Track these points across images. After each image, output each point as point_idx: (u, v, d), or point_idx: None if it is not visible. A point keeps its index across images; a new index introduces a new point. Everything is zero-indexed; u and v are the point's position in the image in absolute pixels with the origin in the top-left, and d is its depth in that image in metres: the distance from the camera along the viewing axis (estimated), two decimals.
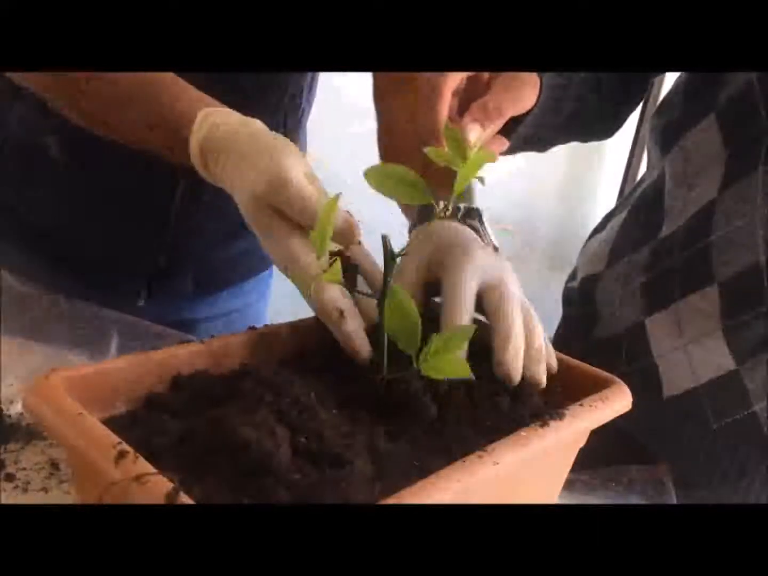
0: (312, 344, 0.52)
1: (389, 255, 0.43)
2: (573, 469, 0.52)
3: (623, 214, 0.83)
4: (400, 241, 0.45)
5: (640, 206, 0.80)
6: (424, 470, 0.37)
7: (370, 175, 0.42)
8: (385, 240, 0.42)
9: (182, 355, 0.45)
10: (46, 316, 0.79)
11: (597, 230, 0.90)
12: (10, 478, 0.54)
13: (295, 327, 0.53)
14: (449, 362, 0.42)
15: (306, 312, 0.54)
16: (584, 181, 2.20)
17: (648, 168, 0.83)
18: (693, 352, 0.71)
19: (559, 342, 0.88)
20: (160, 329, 0.80)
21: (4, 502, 0.51)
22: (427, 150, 0.43)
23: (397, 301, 0.43)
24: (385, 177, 0.42)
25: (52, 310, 0.80)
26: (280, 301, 1.87)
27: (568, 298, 0.89)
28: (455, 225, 0.56)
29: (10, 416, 0.61)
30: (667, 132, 0.76)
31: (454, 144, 0.43)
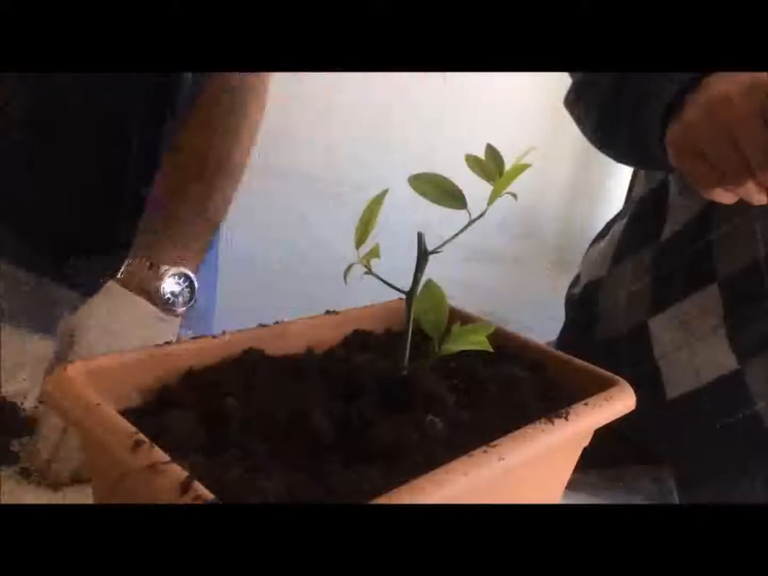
0: (322, 339, 0.53)
1: (422, 252, 0.46)
2: (576, 470, 0.53)
3: (625, 220, 0.83)
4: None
5: (642, 211, 0.81)
6: (434, 460, 0.38)
7: (414, 181, 0.46)
8: (420, 237, 0.46)
9: (195, 349, 0.46)
10: (59, 312, 0.81)
11: (600, 236, 0.91)
12: (25, 472, 0.55)
13: (305, 323, 0.54)
14: (471, 340, 0.47)
15: (313, 310, 0.55)
16: (591, 184, 2.20)
17: (646, 173, 0.83)
18: (696, 350, 0.72)
19: (562, 345, 0.88)
20: None
21: (18, 495, 0.52)
22: (465, 157, 0.46)
23: (430, 292, 0.47)
24: (425, 183, 0.46)
25: (63, 308, 0.81)
26: (286, 301, 1.88)
27: (570, 303, 0.90)
28: None
29: (24, 410, 0.62)
30: None
31: (492, 159, 0.46)
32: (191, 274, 0.71)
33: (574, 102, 0.76)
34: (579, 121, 0.76)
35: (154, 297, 0.68)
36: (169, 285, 0.69)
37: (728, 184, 0.56)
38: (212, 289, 1.04)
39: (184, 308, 0.70)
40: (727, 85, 0.54)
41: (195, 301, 0.71)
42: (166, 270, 0.70)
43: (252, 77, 0.82)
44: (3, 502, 0.52)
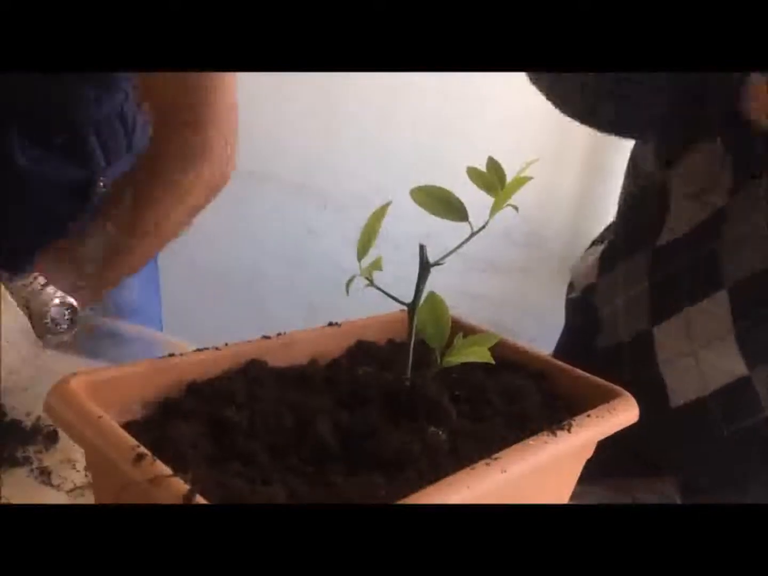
0: (326, 350, 0.54)
1: (424, 264, 0.46)
2: (579, 482, 0.52)
3: (614, 224, 0.83)
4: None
5: (634, 215, 0.80)
6: (437, 471, 0.38)
7: (415, 193, 0.46)
8: (421, 249, 0.46)
9: (198, 360, 0.46)
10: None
11: (597, 242, 0.91)
12: (37, 474, 0.56)
13: (308, 334, 0.54)
14: (473, 351, 0.47)
15: (316, 321, 0.55)
16: (598, 193, 2.20)
17: (636, 177, 0.83)
18: (704, 357, 0.71)
19: (561, 352, 0.88)
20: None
21: (30, 495, 0.53)
22: (467, 169, 0.46)
23: (432, 304, 0.47)
24: (427, 195, 0.46)
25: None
26: (289, 312, 1.88)
27: (568, 310, 0.90)
28: None
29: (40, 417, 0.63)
30: (670, 148, 0.77)
31: (494, 171, 0.46)
32: (77, 306, 0.73)
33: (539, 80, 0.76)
34: (548, 96, 0.76)
35: (34, 315, 0.70)
36: (54, 311, 0.71)
37: None
38: (153, 284, 1.04)
39: (58, 336, 0.72)
40: None
41: (74, 331, 0.73)
42: (56, 295, 0.72)
43: (212, 136, 0.79)
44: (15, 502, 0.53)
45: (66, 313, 0.72)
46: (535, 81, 0.76)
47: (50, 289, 0.72)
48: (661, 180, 0.78)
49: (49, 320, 0.71)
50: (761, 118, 0.63)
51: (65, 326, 0.72)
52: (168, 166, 0.78)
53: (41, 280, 0.72)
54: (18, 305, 0.70)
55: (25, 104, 0.80)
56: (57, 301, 0.72)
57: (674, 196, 0.76)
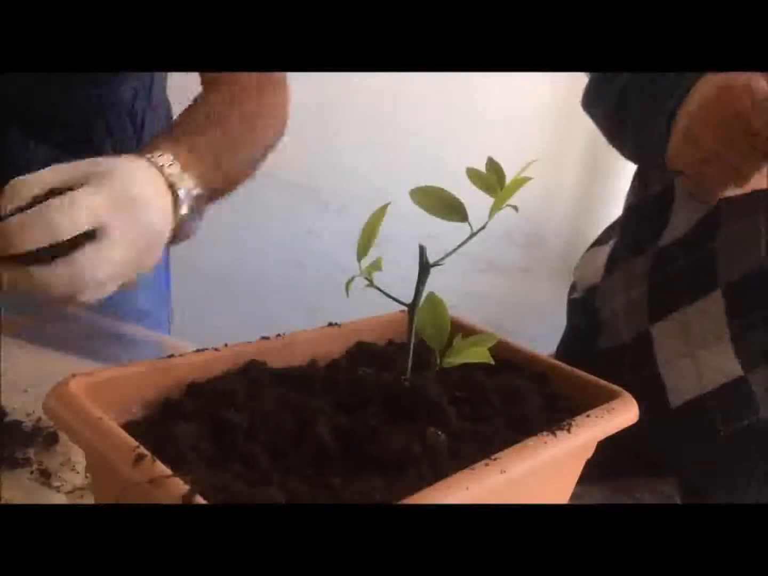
0: (325, 351, 0.54)
1: (424, 264, 0.46)
2: (579, 483, 0.52)
3: (618, 227, 0.84)
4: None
5: (636, 218, 0.81)
6: (436, 472, 0.38)
7: (414, 194, 0.46)
8: (421, 250, 0.46)
9: (198, 361, 0.46)
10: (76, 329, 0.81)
11: (596, 243, 0.91)
12: (37, 476, 0.56)
13: (307, 335, 0.54)
14: (473, 352, 0.48)
15: (316, 322, 0.55)
16: (595, 195, 2.20)
17: (642, 181, 0.84)
18: (700, 358, 0.71)
19: (564, 353, 0.88)
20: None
21: (35, 497, 0.52)
22: (466, 170, 0.46)
23: (432, 304, 0.47)
24: (426, 196, 0.46)
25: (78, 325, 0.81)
26: (289, 312, 1.89)
27: (570, 310, 0.90)
28: None
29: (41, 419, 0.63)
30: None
31: (493, 171, 0.46)
32: (204, 197, 0.65)
33: (586, 108, 0.77)
34: (595, 123, 0.78)
35: (177, 200, 0.62)
36: (191, 199, 0.63)
37: (743, 176, 0.57)
38: (160, 286, 1.03)
39: (182, 234, 0.65)
40: (714, 87, 0.55)
41: (195, 227, 0.65)
42: (189, 180, 0.63)
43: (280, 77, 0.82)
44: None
45: (195, 204, 0.64)
46: (588, 109, 0.78)
47: (185, 171, 0.63)
48: (665, 180, 0.78)
49: (187, 208, 0.62)
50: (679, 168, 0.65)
51: (194, 220, 0.64)
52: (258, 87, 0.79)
53: (174, 161, 0.62)
54: (165, 186, 0.61)
55: (26, 104, 0.80)
56: (190, 187, 0.63)
57: (677, 195, 0.76)
